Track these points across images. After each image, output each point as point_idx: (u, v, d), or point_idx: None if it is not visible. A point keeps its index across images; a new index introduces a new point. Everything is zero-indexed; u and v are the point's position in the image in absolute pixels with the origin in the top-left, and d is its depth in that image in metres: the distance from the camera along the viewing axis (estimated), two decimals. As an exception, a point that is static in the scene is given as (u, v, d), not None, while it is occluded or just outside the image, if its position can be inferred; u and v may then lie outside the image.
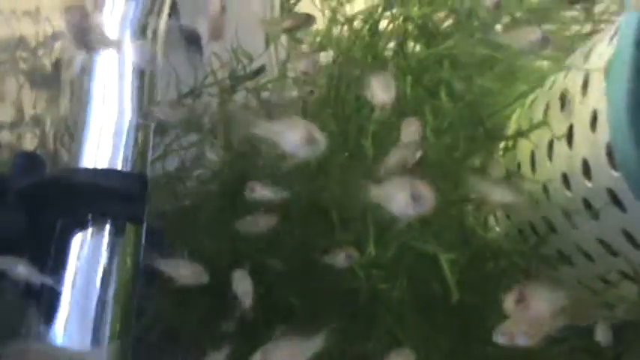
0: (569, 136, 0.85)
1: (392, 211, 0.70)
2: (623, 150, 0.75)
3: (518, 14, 0.95)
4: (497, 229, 1.02)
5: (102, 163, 0.82)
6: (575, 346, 0.92)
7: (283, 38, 1.02)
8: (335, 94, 0.98)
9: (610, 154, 0.77)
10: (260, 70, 1.03)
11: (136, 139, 0.84)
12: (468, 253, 0.91)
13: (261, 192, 0.86)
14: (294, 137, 0.71)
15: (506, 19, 0.94)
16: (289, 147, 0.71)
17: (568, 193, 0.86)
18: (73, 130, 0.86)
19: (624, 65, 0.74)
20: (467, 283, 0.89)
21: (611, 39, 0.80)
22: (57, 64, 1.01)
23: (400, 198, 0.69)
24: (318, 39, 0.99)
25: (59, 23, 0.95)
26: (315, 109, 1.01)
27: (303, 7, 1.01)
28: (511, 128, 1.00)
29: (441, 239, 0.91)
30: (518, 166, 0.97)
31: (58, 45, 0.99)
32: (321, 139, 0.71)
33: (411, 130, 0.83)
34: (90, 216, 0.78)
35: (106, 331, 0.74)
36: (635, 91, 0.73)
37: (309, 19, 0.85)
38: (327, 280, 0.95)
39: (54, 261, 0.77)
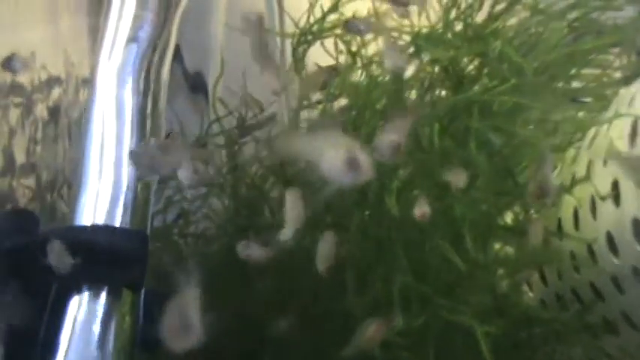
0: (616, 194, 0.77)
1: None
2: None
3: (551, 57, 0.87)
4: (531, 294, 0.94)
5: (100, 217, 0.77)
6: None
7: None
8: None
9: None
10: (270, 119, 0.95)
11: (135, 191, 0.79)
12: (502, 323, 0.82)
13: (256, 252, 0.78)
14: (336, 158, 0.62)
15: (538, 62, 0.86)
16: (329, 170, 0.62)
17: (615, 260, 0.79)
18: (70, 180, 0.81)
19: None
20: (500, 354, 0.81)
21: None
22: (54, 111, 0.95)
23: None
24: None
25: (56, 69, 0.90)
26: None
27: (313, 52, 0.94)
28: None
29: (470, 306, 0.83)
30: (558, 226, 0.89)
31: (54, 91, 0.93)
32: (368, 164, 0.62)
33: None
34: (86, 281, 0.73)
35: None
36: None
37: (333, 71, 0.79)
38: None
39: (47, 328, 0.73)
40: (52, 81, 0.92)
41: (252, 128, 0.93)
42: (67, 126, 0.94)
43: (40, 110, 0.94)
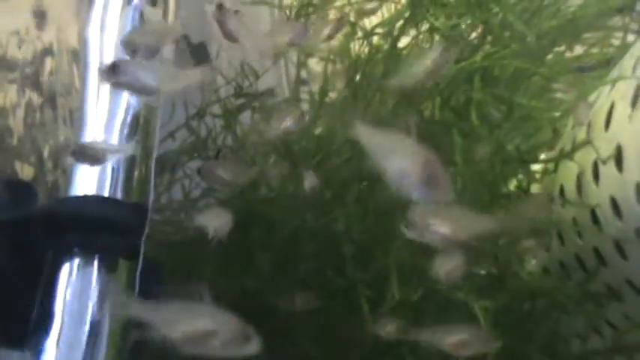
0: (619, 158, 0.77)
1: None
2: None
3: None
4: (533, 262, 0.94)
5: (99, 190, 0.76)
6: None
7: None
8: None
9: None
10: (268, 93, 0.95)
11: (132, 164, 0.78)
12: (503, 296, 0.82)
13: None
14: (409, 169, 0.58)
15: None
16: (397, 177, 0.58)
17: (618, 222, 0.78)
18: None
19: None
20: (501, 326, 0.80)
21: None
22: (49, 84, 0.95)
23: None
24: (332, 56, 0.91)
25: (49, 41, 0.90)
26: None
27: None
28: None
29: (470, 279, 0.82)
30: (561, 191, 0.89)
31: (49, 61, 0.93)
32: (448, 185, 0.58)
33: None
34: (80, 251, 0.73)
35: None
36: None
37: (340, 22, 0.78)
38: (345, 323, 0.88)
39: (43, 296, 0.72)
40: (45, 52, 0.92)
41: (249, 97, 0.93)
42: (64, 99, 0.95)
43: (35, 83, 0.94)
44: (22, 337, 0.72)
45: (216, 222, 0.81)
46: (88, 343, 0.71)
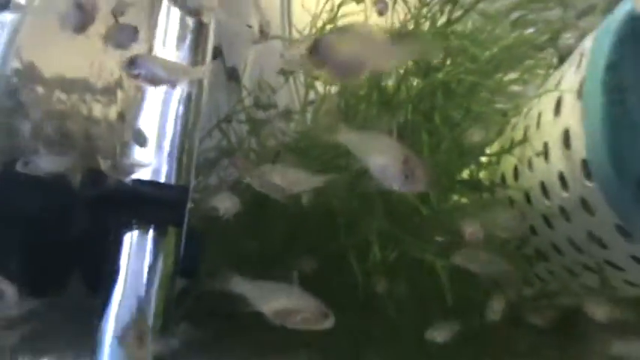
0: (546, 153, 0.89)
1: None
2: (599, 162, 0.78)
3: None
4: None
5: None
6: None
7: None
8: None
9: (585, 167, 0.81)
10: (287, 113, 1.08)
11: (180, 156, 0.90)
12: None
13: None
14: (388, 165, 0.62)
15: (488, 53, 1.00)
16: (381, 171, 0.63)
17: (546, 201, 0.90)
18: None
19: (597, 86, 0.78)
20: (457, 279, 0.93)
21: (578, 66, 0.84)
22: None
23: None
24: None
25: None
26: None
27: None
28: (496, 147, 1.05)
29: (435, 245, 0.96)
30: (502, 178, 1.01)
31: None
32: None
33: None
34: (138, 222, 0.85)
35: (152, 309, 0.82)
36: (608, 108, 0.77)
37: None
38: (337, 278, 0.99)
39: (112, 257, 0.84)
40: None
41: (266, 107, 1.07)
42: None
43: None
44: (98, 287, 0.82)
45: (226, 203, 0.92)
46: (145, 292, 0.82)
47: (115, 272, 0.83)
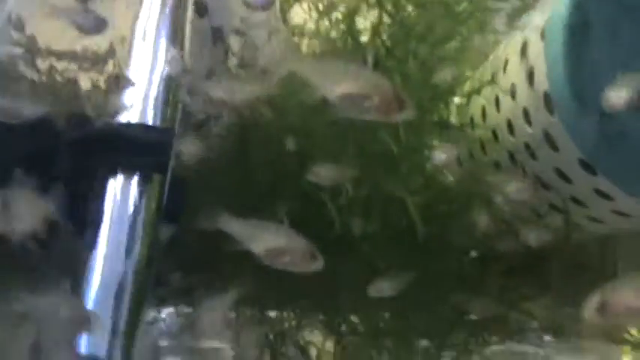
0: (513, 93, 0.92)
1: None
2: (561, 97, 0.81)
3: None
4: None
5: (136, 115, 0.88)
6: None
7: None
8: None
9: (548, 100, 0.84)
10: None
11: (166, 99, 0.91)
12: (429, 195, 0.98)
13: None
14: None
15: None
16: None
17: (512, 139, 0.94)
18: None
19: (560, 25, 0.81)
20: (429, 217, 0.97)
21: (543, 8, 0.87)
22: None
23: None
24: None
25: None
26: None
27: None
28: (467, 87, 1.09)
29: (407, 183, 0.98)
30: (471, 119, 1.05)
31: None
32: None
33: None
34: (123, 166, 0.86)
35: (136, 254, 0.83)
36: (570, 46, 0.80)
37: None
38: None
39: (95, 199, 0.84)
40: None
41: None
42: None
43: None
44: (82, 230, 0.83)
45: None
46: (128, 236, 0.83)
47: (99, 217, 0.84)
